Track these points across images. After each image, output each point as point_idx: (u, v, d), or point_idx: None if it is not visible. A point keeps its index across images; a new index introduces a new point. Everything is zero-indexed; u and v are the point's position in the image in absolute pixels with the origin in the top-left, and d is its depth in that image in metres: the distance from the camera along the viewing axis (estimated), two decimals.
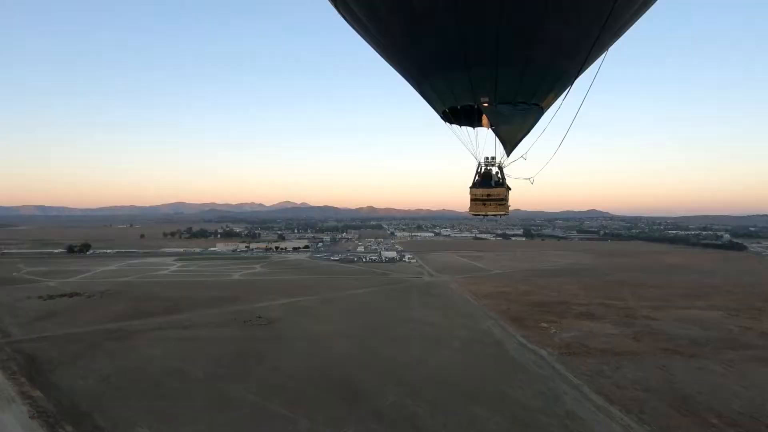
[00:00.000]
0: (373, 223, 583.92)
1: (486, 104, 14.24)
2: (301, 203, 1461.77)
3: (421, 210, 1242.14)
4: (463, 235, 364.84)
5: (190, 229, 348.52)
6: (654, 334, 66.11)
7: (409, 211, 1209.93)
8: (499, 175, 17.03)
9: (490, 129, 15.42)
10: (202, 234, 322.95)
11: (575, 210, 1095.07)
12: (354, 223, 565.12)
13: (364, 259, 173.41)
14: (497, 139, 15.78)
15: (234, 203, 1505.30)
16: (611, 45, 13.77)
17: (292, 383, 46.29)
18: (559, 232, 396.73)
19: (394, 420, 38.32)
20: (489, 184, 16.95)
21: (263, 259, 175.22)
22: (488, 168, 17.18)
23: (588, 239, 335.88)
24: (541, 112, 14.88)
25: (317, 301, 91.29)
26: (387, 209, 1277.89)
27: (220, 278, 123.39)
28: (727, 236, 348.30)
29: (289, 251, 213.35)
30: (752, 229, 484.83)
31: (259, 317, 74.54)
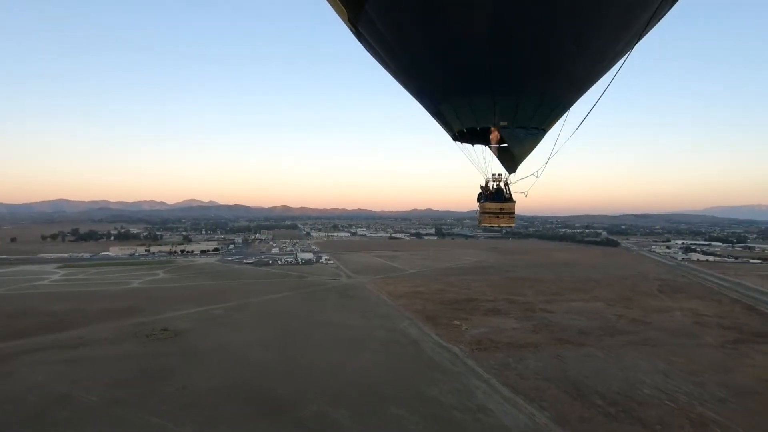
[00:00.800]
0: (287, 222, 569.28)
1: (505, 127, 15.51)
2: (209, 202, 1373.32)
3: (337, 209, 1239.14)
4: (379, 234, 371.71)
5: (77, 230, 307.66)
6: (550, 326, 73.65)
7: (324, 210, 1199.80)
8: (508, 191, 18.43)
9: (493, 148, 16.97)
10: (92, 236, 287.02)
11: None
12: (267, 223, 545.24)
13: (279, 262, 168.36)
14: (494, 158, 17.35)
15: (130, 201, 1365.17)
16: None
17: (206, 401, 43.46)
18: (467, 231, 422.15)
19: (316, 431, 37.90)
20: (502, 198, 18.29)
21: (167, 264, 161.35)
22: (498, 184, 18.51)
23: (492, 237, 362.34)
24: (544, 134, 16.76)
25: (230, 308, 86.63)
26: (302, 208, 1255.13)
27: (115, 287, 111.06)
28: (604, 234, 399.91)
29: (196, 254, 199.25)
30: (623, 227, 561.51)
31: (165, 330, 68.64)
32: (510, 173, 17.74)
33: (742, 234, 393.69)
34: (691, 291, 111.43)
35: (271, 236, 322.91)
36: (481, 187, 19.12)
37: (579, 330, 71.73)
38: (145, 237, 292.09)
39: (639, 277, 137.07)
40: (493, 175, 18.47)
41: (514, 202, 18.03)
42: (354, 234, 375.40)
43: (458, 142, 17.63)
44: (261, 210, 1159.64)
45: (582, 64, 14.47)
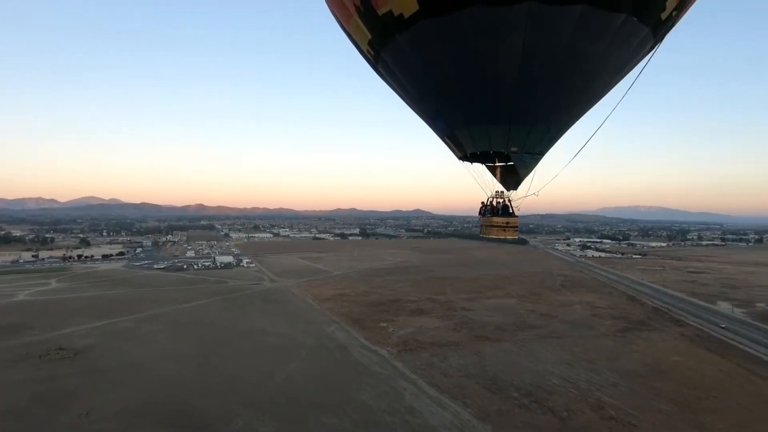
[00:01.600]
0: (203, 223, 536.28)
1: (515, 152, 17.52)
2: (110, 199, 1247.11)
3: (258, 208, 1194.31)
4: (303, 235, 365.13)
5: None
6: (470, 324, 78.11)
7: (244, 209, 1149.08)
8: (512, 207, 20.25)
9: (496, 168, 18.76)
10: None
11: (403, 209, 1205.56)
12: (180, 223, 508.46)
13: (195, 266, 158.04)
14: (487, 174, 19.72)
15: (10, 198, 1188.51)
16: None
17: (114, 426, 39.66)
18: (390, 231, 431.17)
19: None
20: (507, 213, 20.32)
21: (61, 272, 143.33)
22: (505, 201, 20.24)
23: (415, 237, 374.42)
24: (542, 157, 18.96)
25: (141, 319, 79.61)
26: (219, 207, 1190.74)
27: None
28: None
29: (97, 260, 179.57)
30: (531, 226, 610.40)
31: (61, 348, 61.16)
32: (509, 191, 19.94)
33: (626, 232, 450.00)
34: (588, 285, 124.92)
35: (185, 238, 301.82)
36: (483, 203, 21.02)
37: (496, 326, 76.99)
38: (32, 240, 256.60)
39: (545, 273, 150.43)
40: (497, 192, 20.22)
41: (517, 217, 20.15)
42: (276, 235, 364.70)
43: (463, 162, 19.79)
44: (172, 209, 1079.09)
45: (586, 98, 17.46)
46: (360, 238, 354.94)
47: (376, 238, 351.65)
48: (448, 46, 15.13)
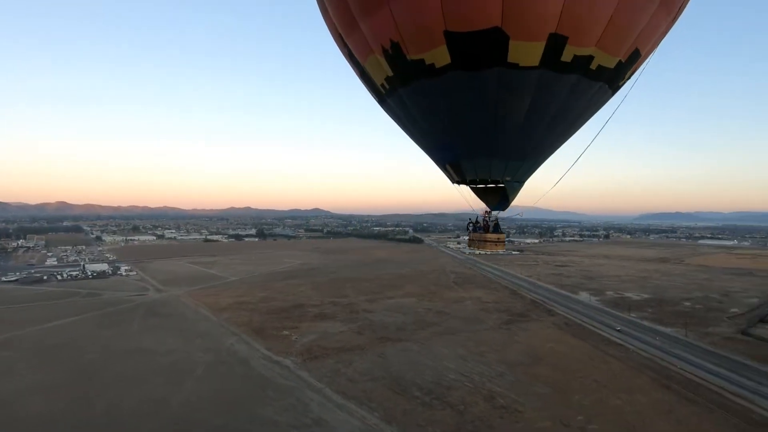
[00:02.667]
0: (67, 224, 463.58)
1: (508, 180, 21.23)
2: None
3: (136, 207, 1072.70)
4: (193, 237, 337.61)
5: None
6: (372, 326, 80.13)
7: (119, 208, 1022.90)
8: (499, 224, 23.81)
9: (488, 190, 21.93)
10: None
11: (302, 209, 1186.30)
12: (36, 224, 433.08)
13: (59, 277, 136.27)
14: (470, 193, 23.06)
15: None
16: None
17: None
18: (289, 231, 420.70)
19: None
20: (498, 230, 23.89)
21: None
22: (492, 219, 23.62)
23: (314, 237, 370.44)
24: (523, 184, 22.50)
25: None
26: (87, 205, 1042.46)
27: None
28: (411, 232, 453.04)
29: None
30: (425, 225, 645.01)
31: None
32: (497, 211, 23.41)
33: (507, 229, 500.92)
34: (477, 281, 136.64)
35: (43, 243, 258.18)
36: (471, 221, 25.15)
37: (397, 326, 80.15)
38: None
39: (440, 271, 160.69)
40: (486, 212, 23.46)
41: (504, 233, 24.32)
42: (161, 237, 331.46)
43: (458, 185, 22.94)
44: (24, 208, 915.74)
45: (565, 138, 21.60)
46: (257, 239, 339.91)
47: (275, 239, 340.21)
48: (471, 94, 17.88)
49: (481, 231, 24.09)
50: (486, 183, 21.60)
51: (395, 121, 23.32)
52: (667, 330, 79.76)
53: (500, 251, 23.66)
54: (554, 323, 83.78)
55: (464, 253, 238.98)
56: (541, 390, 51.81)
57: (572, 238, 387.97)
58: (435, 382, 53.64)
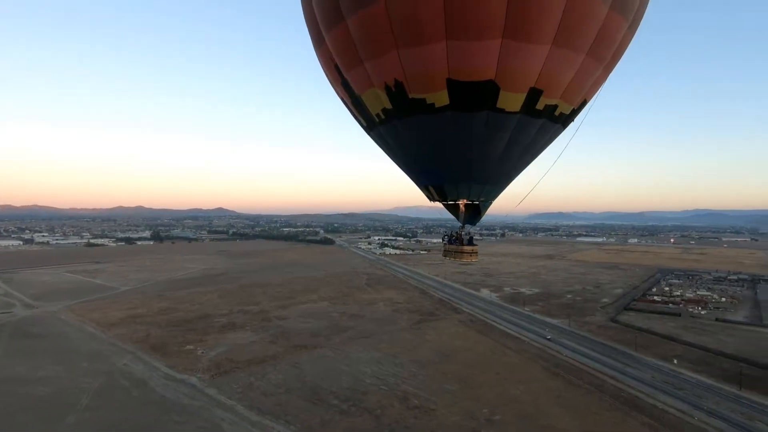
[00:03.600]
0: None
1: (483, 201, 24.48)
2: None
3: None
4: (71, 241, 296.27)
5: None
6: (286, 334, 78.00)
7: None
8: (472, 237, 27.06)
9: (466, 207, 24.75)
10: None
11: (204, 208, 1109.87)
12: None
13: None
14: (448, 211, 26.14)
15: None
16: None
17: None
18: (189, 233, 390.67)
19: None
20: (472, 243, 26.87)
21: None
22: (467, 233, 26.60)
23: (219, 239, 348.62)
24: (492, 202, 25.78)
25: None
26: None
27: None
28: (322, 232, 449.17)
29: None
30: (336, 225, 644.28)
31: None
32: (470, 226, 26.26)
33: (415, 229, 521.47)
34: (388, 282, 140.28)
35: None
36: (446, 234, 28.80)
37: (311, 332, 79.05)
38: None
39: (352, 272, 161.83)
40: (461, 226, 26.37)
41: (477, 245, 27.38)
42: (29, 242, 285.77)
43: (433, 201, 25.70)
44: None
45: (529, 163, 24.83)
46: (152, 242, 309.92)
47: (173, 242, 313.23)
48: (462, 130, 20.46)
49: (457, 243, 27.03)
50: (460, 201, 24.86)
51: (381, 145, 25.33)
52: (554, 321, 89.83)
53: (474, 261, 27.43)
54: (460, 321, 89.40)
55: (375, 253, 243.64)
56: (451, 387, 55.02)
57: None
58: (352, 388, 54.01)
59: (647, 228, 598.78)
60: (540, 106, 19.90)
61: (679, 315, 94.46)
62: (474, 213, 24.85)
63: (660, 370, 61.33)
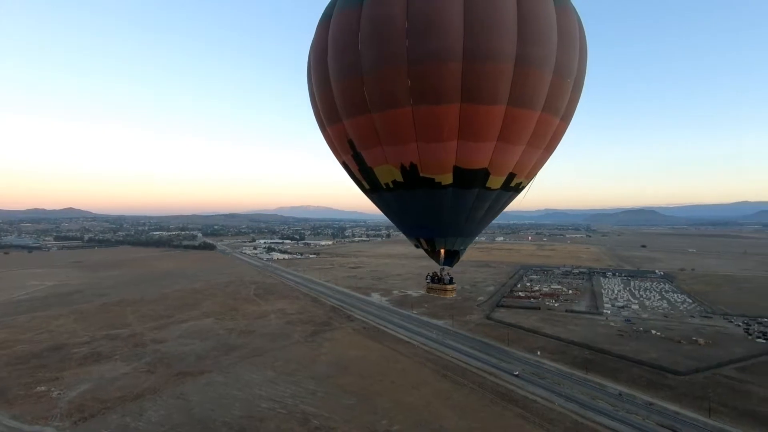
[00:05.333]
0: None
1: (462, 249, 30.00)
2: None
3: None
4: None
5: None
6: (166, 360, 70.56)
7: None
8: (449, 277, 32.20)
9: (443, 253, 29.80)
10: None
11: (48, 208, 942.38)
12: None
13: None
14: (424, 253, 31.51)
15: None
16: None
17: None
18: (29, 240, 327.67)
19: None
20: (452, 282, 32.15)
21: None
22: (446, 273, 31.78)
23: (71, 247, 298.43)
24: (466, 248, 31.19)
25: None
26: None
27: None
28: (200, 236, 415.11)
29: None
30: (216, 227, 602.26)
31: None
32: (445, 266, 30.94)
33: (302, 231, 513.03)
34: (279, 291, 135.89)
35: None
36: (428, 275, 33.07)
37: (196, 356, 72.83)
38: None
39: (238, 282, 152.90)
40: (441, 269, 31.40)
41: (455, 283, 33.07)
42: None
43: (418, 247, 30.91)
44: None
45: (494, 219, 30.12)
46: None
47: (6, 252, 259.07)
48: (459, 201, 25.79)
49: (439, 283, 32.26)
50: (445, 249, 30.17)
51: (381, 206, 29.74)
52: (440, 322, 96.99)
53: (454, 296, 33.88)
54: (354, 329, 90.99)
55: (262, 259, 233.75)
56: (349, 401, 55.83)
57: (361, 238, 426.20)
58: (247, 416, 51.32)
59: (510, 226, 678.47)
60: (513, 183, 26.72)
61: (539, 309, 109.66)
62: (453, 257, 30.27)
63: (528, 363, 70.52)
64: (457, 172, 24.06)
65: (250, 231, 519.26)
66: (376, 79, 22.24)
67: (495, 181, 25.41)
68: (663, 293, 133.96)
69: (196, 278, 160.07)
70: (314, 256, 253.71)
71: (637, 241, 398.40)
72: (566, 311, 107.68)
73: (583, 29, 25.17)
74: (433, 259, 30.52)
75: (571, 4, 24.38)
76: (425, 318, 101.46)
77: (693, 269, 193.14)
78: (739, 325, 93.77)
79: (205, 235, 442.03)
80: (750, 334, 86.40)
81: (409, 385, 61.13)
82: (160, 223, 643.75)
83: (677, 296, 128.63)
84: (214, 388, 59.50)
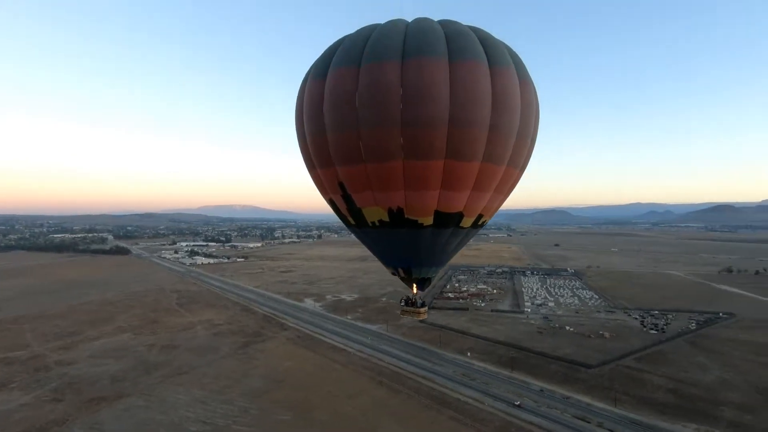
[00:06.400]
0: None
1: (433, 276, 34.18)
2: None
3: None
4: None
5: None
6: (75, 385, 63.67)
7: None
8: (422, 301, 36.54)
9: (416, 282, 33.94)
10: None
11: None
12: None
13: None
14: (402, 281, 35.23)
15: None
16: None
17: None
18: None
19: None
20: (424, 305, 36.53)
21: None
22: (418, 298, 35.75)
23: None
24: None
25: None
26: None
27: None
28: (111, 239, 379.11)
29: None
30: (129, 228, 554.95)
31: None
32: (418, 291, 35.08)
33: (228, 232, 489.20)
34: (205, 299, 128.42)
35: None
36: (404, 299, 37.10)
37: (112, 378, 66.58)
38: None
39: (158, 290, 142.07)
40: (414, 294, 35.53)
41: (426, 306, 37.36)
42: None
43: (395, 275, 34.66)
44: None
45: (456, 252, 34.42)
46: None
47: None
48: (436, 238, 29.94)
49: (412, 306, 36.17)
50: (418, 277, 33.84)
51: (364, 240, 33.05)
52: (374, 327, 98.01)
53: (425, 317, 39.32)
54: (288, 338, 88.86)
55: (184, 264, 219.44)
56: (285, 416, 54.52)
57: (291, 240, 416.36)
58: None
59: None
60: (480, 222, 31.55)
61: (467, 309, 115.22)
62: (425, 282, 34.22)
63: (459, 364, 73.84)
64: (437, 215, 28.20)
65: (170, 232, 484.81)
66: (372, 135, 25.18)
67: (467, 221, 30.00)
68: (574, 290, 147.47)
69: (108, 288, 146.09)
70: (242, 259, 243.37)
71: (552, 240, 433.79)
72: (492, 311, 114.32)
73: (537, 97, 29.63)
74: (407, 285, 34.27)
75: (529, 77, 28.78)
76: (360, 323, 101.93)
77: (598, 266, 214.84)
78: (636, 318, 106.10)
79: (117, 237, 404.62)
80: (644, 326, 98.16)
81: (346, 395, 61.12)
82: (62, 223, 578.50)
83: (586, 293, 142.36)
84: (135, 414, 54.87)
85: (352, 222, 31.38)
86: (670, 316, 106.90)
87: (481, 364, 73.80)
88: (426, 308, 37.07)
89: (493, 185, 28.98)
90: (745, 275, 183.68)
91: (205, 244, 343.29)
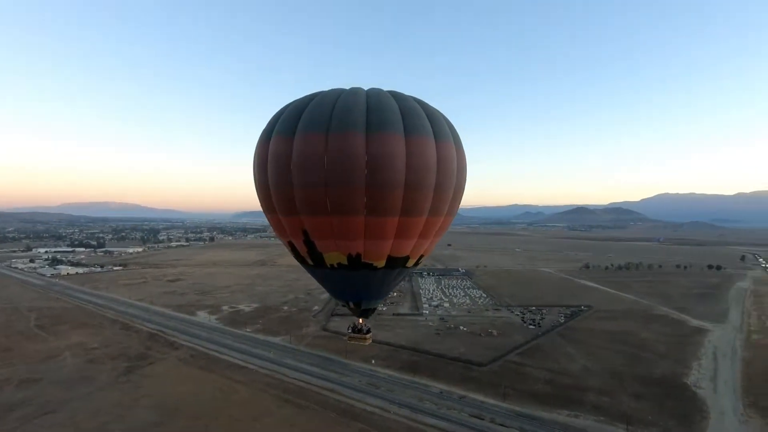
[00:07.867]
0: None
1: (374, 308, 38.85)
2: None
3: None
4: None
5: None
6: None
7: None
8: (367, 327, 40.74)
9: (357, 310, 37.67)
10: None
11: None
12: None
13: None
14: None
15: None
16: None
17: None
18: None
19: None
20: (369, 331, 40.60)
21: None
22: (364, 325, 40.03)
23: None
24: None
25: None
26: None
27: None
28: None
29: None
30: None
31: None
32: (362, 318, 39.10)
33: (100, 235, 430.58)
34: (73, 318, 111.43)
35: None
36: (350, 326, 40.76)
37: None
38: None
39: (10, 309, 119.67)
40: (359, 322, 39.50)
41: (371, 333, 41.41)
42: None
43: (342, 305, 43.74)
44: None
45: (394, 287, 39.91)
46: None
47: None
48: (386, 277, 34.49)
49: (359, 333, 39.91)
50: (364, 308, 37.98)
51: (320, 278, 36.08)
52: (277, 339, 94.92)
53: (370, 342, 42.04)
54: (180, 358, 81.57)
55: (44, 275, 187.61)
56: None
57: (179, 243, 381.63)
58: None
59: None
60: (420, 260, 36.13)
61: None
62: (371, 312, 38.57)
63: (364, 373, 75.18)
64: (390, 258, 32.78)
65: (23, 236, 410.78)
66: (338, 193, 28.74)
67: (411, 262, 35.11)
68: (466, 290, 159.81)
69: None
70: (120, 268, 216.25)
71: (445, 240, 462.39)
72: (393, 314, 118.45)
73: (466, 159, 34.98)
74: (355, 314, 38.69)
75: (461, 145, 34.33)
76: (261, 336, 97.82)
77: (485, 266, 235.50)
78: (518, 315, 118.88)
79: None
80: (525, 322, 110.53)
81: (250, 417, 58.33)
82: None
83: (476, 292, 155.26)
84: None
85: (311, 263, 34.42)
86: (545, 311, 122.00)
87: (386, 371, 76.12)
88: (371, 334, 41.36)
89: (434, 231, 34.56)
90: (598, 270, 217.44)
91: (70, 249, 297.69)
